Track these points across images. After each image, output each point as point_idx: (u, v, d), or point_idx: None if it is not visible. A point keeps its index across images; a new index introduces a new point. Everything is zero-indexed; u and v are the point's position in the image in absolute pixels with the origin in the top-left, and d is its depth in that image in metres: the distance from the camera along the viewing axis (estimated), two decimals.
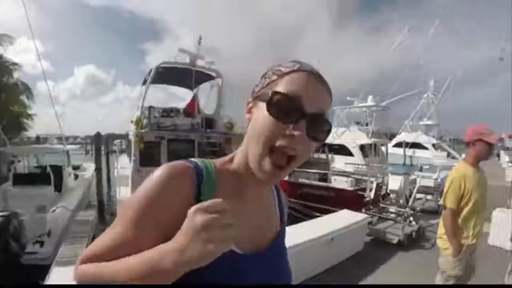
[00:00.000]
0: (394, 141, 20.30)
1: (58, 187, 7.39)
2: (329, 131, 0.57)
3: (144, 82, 8.28)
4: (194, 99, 8.17)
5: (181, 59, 8.05)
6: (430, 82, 22.53)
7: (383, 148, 14.55)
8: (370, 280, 3.49)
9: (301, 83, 0.53)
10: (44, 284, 3.13)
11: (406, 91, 20.73)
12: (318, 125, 0.54)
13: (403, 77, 17.86)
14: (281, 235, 0.71)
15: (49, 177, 7.23)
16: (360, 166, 11.64)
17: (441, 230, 2.32)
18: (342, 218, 4.34)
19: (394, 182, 7.43)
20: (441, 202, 2.34)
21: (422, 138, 20.24)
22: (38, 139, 16.64)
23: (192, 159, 0.60)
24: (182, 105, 8.39)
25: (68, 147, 9.69)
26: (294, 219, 4.54)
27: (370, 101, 14.56)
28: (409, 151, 17.64)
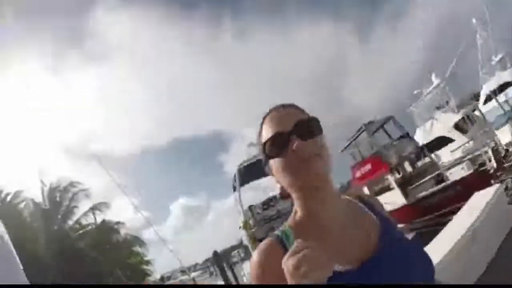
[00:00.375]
0: (482, 98, 17.81)
1: None
2: (314, 119, 0.64)
3: (234, 189, 8.77)
4: None
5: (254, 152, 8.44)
6: (472, 21, 19.97)
7: (476, 113, 12.92)
8: None
9: (269, 122, 0.64)
10: None
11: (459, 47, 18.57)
12: (303, 127, 0.61)
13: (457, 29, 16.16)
14: (385, 239, 0.65)
15: None
16: (466, 145, 10.47)
17: None
18: (477, 204, 3.66)
19: (503, 135, 6.54)
20: None
21: (505, 76, 17.42)
22: (162, 279, 18.25)
23: (274, 232, 0.66)
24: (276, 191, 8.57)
25: (193, 274, 10.38)
26: (434, 233, 3.96)
27: (435, 79, 13.21)
28: (501, 96, 15.41)
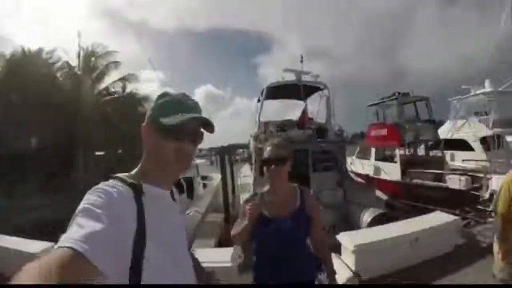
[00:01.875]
0: None
1: (190, 195, 8.69)
2: (286, 159, 1.47)
3: (259, 100, 9.28)
4: (304, 112, 8.72)
5: (289, 76, 8.78)
6: None
7: (509, 139, 12.61)
8: (451, 278, 3.45)
9: (266, 150, 1.49)
10: None
11: None
12: (279, 161, 1.45)
13: None
14: (298, 214, 1.47)
15: (183, 187, 8.52)
16: (480, 161, 10.46)
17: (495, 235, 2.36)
18: (432, 219, 4.32)
19: (498, 182, 6.65)
20: (492, 208, 2.24)
21: None
22: None
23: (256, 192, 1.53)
24: (297, 113, 9.13)
25: (198, 161, 11.41)
26: (397, 219, 4.58)
27: (488, 87, 12.72)
28: None
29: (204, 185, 10.58)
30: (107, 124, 13.88)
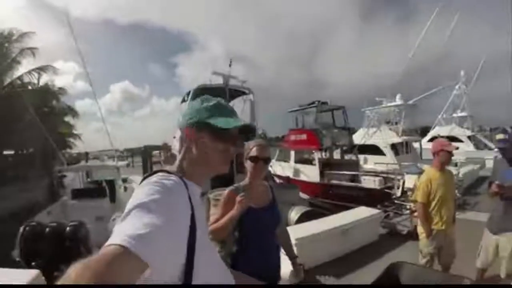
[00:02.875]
0: (429, 136, 19.80)
1: (113, 199, 8.17)
2: (269, 158, 1.73)
3: (183, 101, 9.16)
4: None
5: (215, 79, 8.85)
6: (460, 73, 21.70)
7: (416, 145, 14.49)
8: (378, 263, 3.93)
9: (255, 149, 1.64)
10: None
11: (437, 85, 20.25)
12: (266, 159, 1.67)
13: (432, 69, 17.37)
14: (272, 205, 1.74)
15: (105, 190, 8.04)
16: (390, 164, 11.72)
17: (418, 219, 2.97)
18: (357, 214, 4.91)
19: (409, 181, 7.66)
20: (412, 198, 2.97)
21: (456, 131, 19.55)
22: (87, 155, 18.14)
23: (235, 185, 1.71)
24: None
25: (119, 163, 10.77)
26: (321, 216, 4.99)
27: (398, 100, 14.45)
28: None
29: (125, 188, 10.02)
30: (19, 120, 12.28)
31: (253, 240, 1.60)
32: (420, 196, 2.81)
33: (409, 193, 7.25)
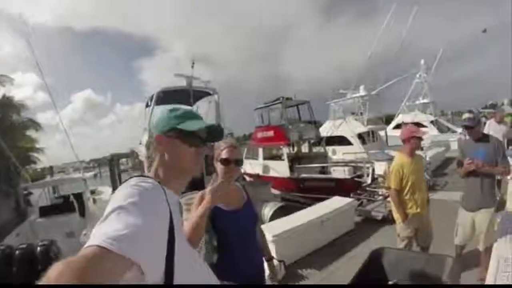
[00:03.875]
0: (393, 123, 20.74)
1: (82, 213, 7.97)
2: (241, 159, 1.63)
3: (147, 106, 9.07)
4: None
5: (179, 81, 8.84)
6: (420, 62, 22.90)
7: (382, 133, 15.15)
8: (357, 251, 4.14)
9: (225, 151, 1.57)
10: None
11: (398, 74, 21.28)
12: (237, 161, 1.58)
13: (393, 60, 18.28)
14: (248, 205, 1.68)
15: (73, 205, 7.83)
16: (358, 153, 12.12)
17: (392, 205, 3.07)
18: (332, 204, 5.03)
19: (380, 167, 8.00)
20: (385, 184, 3.06)
21: (420, 117, 20.58)
22: (51, 169, 17.31)
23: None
24: None
25: (87, 174, 10.49)
26: (295, 210, 5.06)
27: (362, 91, 15.04)
28: None
29: (94, 200, 9.76)
30: None
31: (233, 244, 1.54)
32: (393, 182, 2.87)
33: (379, 179, 7.52)
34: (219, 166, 1.58)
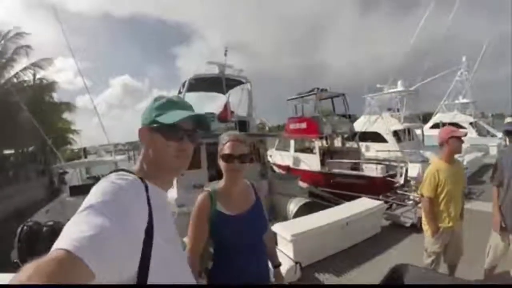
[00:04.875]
0: (431, 122, 19.59)
1: None
2: (247, 155, 1.37)
3: (179, 92, 9.01)
4: (226, 105, 8.69)
5: (211, 69, 8.68)
6: (462, 58, 21.28)
7: (418, 132, 14.31)
8: (380, 258, 3.82)
9: (228, 145, 1.34)
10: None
11: (438, 71, 19.93)
12: (243, 156, 1.34)
13: (434, 55, 17.04)
14: (255, 208, 1.44)
15: None
16: (392, 152, 11.58)
17: (423, 215, 2.71)
18: (359, 205, 4.67)
19: (413, 170, 7.47)
20: (418, 192, 2.72)
21: (458, 117, 19.25)
22: (85, 151, 18.17)
23: (207, 188, 1.41)
24: (216, 106, 9.09)
25: (118, 157, 10.71)
26: (323, 208, 4.76)
27: (400, 86, 14.18)
28: None
29: None
30: (17, 118, 12.23)
31: (232, 254, 1.35)
32: (426, 189, 2.55)
33: (412, 182, 7.12)
34: (221, 163, 1.37)
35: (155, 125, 0.81)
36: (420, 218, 4.55)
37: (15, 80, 13.89)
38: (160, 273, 0.68)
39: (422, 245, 2.75)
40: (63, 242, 0.50)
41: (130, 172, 0.75)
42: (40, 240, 4.33)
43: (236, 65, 8.91)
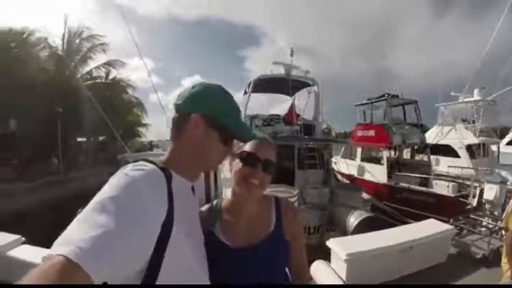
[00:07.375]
0: (507, 138, 17.36)
1: None
2: (273, 164, 0.93)
3: (245, 93, 9.02)
4: (292, 108, 8.50)
5: (277, 69, 8.54)
6: None
7: (493, 148, 12.74)
8: None
9: (252, 144, 0.92)
10: None
11: None
12: (269, 164, 0.91)
13: None
14: (274, 236, 0.96)
15: None
16: (465, 169, 10.52)
17: (504, 251, 2.21)
18: (426, 228, 4.14)
19: (489, 191, 6.51)
20: (503, 224, 2.23)
21: None
22: (151, 144, 19.72)
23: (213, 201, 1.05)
24: (282, 108, 8.92)
25: None
26: (385, 224, 4.41)
27: (476, 95, 12.82)
28: None
29: None
30: (89, 110, 13.41)
31: None
32: None
33: (487, 206, 6.27)
34: (235, 165, 0.93)
35: (216, 122, 0.75)
36: (493, 251, 4.14)
37: (88, 76, 15.26)
38: (172, 271, 0.62)
39: (493, 283, 2.42)
40: (64, 246, 0.47)
41: (151, 162, 0.68)
42: None
43: (302, 67, 8.67)
